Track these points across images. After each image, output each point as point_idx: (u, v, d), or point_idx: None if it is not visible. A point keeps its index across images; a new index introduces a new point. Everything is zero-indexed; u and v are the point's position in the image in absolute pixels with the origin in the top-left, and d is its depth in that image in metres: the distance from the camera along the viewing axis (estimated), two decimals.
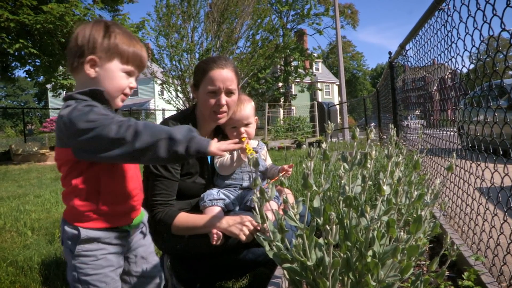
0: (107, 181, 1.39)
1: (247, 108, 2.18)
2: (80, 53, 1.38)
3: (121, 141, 1.20)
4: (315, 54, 34.01)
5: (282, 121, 22.03)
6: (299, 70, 30.18)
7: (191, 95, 13.17)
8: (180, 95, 14.19)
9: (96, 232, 1.38)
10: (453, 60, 2.42)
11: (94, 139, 1.22)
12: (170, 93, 14.22)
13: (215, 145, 1.31)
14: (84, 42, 1.37)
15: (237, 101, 2.16)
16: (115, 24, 1.46)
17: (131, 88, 1.46)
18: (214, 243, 1.86)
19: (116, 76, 1.41)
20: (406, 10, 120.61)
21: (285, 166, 2.15)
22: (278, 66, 29.53)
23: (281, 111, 25.89)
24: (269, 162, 2.33)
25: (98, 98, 1.37)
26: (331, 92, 46.75)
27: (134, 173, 1.49)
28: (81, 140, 1.24)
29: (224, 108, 2.05)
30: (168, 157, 1.23)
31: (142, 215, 1.56)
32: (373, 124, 14.24)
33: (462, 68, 2.31)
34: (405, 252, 1.27)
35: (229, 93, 2.05)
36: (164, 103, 16.02)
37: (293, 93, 33.19)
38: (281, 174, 2.11)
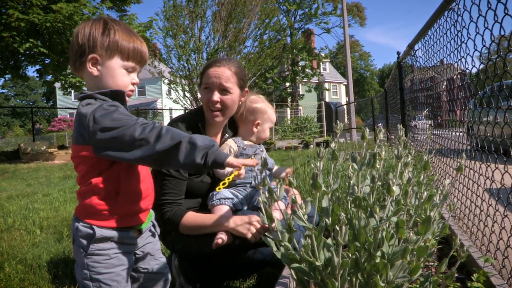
0: (126, 181, 1.40)
1: (274, 114, 2.33)
2: (81, 52, 1.38)
3: (143, 142, 1.22)
4: (323, 54, 33.95)
5: (289, 121, 22.01)
6: (307, 70, 30.12)
7: (198, 94, 13.21)
8: (187, 94, 14.20)
9: (111, 232, 1.39)
10: (463, 60, 2.41)
11: (118, 138, 1.23)
12: (178, 92, 14.24)
13: (232, 159, 1.32)
14: (85, 41, 1.38)
15: (266, 101, 2.28)
16: (114, 20, 1.46)
17: (134, 84, 1.47)
18: (214, 247, 1.86)
19: (118, 73, 1.41)
20: (413, 9, 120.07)
21: (288, 170, 2.19)
22: (286, 65, 29.50)
23: (288, 111, 25.89)
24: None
25: (119, 99, 1.39)
26: (339, 92, 46.62)
27: (147, 173, 1.51)
28: (104, 138, 1.25)
29: (218, 106, 2.07)
30: (186, 162, 1.23)
31: (151, 214, 1.57)
32: (380, 124, 14.19)
33: (472, 68, 2.30)
34: (415, 253, 1.27)
35: (223, 90, 2.06)
36: (171, 102, 16.05)
37: (300, 93, 33.16)
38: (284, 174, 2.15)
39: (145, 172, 1.49)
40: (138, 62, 1.46)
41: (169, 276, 1.65)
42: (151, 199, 1.53)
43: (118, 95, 1.39)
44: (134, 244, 1.49)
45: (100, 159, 1.32)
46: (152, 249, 1.58)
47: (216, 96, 2.05)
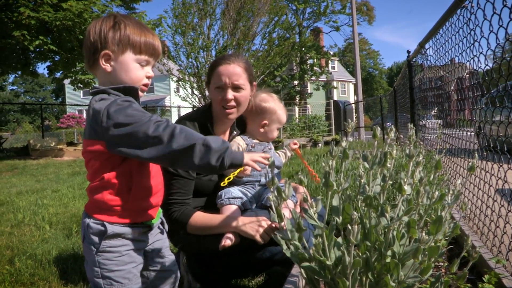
0: (138, 176, 1.40)
1: (284, 114, 2.28)
2: (94, 50, 1.39)
3: (156, 141, 1.21)
4: (331, 52, 33.80)
5: (297, 119, 21.96)
6: (315, 68, 30.02)
7: (206, 92, 13.21)
8: (195, 92, 14.23)
9: (122, 228, 1.39)
10: (475, 59, 2.38)
11: (131, 134, 1.23)
12: (186, 90, 14.26)
13: (248, 157, 1.31)
14: (96, 38, 1.38)
15: (277, 101, 2.24)
16: (125, 16, 1.46)
17: (148, 77, 1.46)
18: (221, 249, 1.86)
19: (131, 67, 1.41)
20: (412, 10, 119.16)
21: (291, 144, 2.30)
22: (294, 64, 29.42)
23: (297, 109, 25.83)
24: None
25: (132, 95, 1.39)
26: (347, 91, 46.43)
27: (157, 169, 1.51)
28: (117, 134, 1.24)
29: (232, 103, 2.06)
30: (200, 164, 1.23)
31: (160, 210, 1.57)
32: (389, 123, 14.11)
33: (485, 67, 2.27)
34: (426, 253, 1.26)
35: (236, 88, 2.06)
36: (179, 100, 16.08)
37: (309, 91, 33.05)
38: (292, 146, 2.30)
39: (156, 168, 1.49)
40: (151, 55, 1.45)
41: (178, 274, 1.65)
42: (161, 195, 1.53)
43: (131, 91, 1.39)
44: (145, 241, 1.49)
45: (113, 154, 1.32)
46: (161, 246, 1.57)
47: (230, 94, 2.04)
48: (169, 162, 1.29)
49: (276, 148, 2.39)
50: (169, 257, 1.61)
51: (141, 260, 1.47)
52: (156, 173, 1.49)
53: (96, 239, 1.37)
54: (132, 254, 1.42)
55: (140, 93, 1.45)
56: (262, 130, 2.21)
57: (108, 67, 1.39)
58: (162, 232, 1.60)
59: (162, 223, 1.60)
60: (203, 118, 2.12)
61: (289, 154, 2.33)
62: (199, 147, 1.21)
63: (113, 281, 1.37)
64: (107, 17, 1.43)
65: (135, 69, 1.42)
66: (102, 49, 1.38)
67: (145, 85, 1.46)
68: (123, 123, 1.23)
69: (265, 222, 1.87)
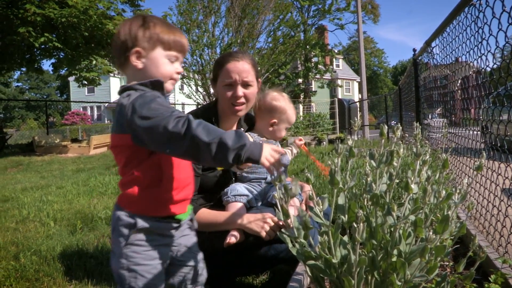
0: (167, 169, 1.42)
1: (294, 114, 2.26)
2: (124, 48, 1.43)
3: (175, 135, 1.22)
4: (336, 51, 33.72)
5: (302, 117, 21.92)
6: (319, 66, 29.96)
7: (211, 90, 13.22)
8: (200, 89, 14.23)
9: (152, 222, 1.40)
10: (483, 57, 2.36)
11: (153, 128, 1.25)
12: (190, 87, 14.27)
13: (265, 155, 1.28)
14: (127, 37, 1.43)
15: (288, 101, 2.23)
16: (152, 15, 1.51)
17: (178, 73, 1.51)
18: (225, 246, 1.86)
19: (162, 63, 1.45)
20: (412, 10, 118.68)
21: (296, 140, 2.31)
22: (298, 61, 29.38)
23: (301, 107, 25.78)
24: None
25: (158, 89, 1.42)
26: (351, 89, 46.36)
27: (187, 162, 1.52)
28: (141, 127, 1.27)
29: (242, 100, 2.06)
30: (217, 161, 1.24)
31: (191, 207, 1.59)
32: (393, 122, 14.07)
33: (493, 65, 2.25)
34: (433, 252, 1.25)
35: (246, 85, 2.06)
36: (184, 97, 16.08)
37: (313, 89, 32.99)
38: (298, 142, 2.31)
39: (185, 161, 1.50)
40: (179, 51, 1.49)
41: (205, 272, 1.65)
42: (191, 189, 1.55)
43: (157, 85, 1.43)
44: (173, 237, 1.50)
45: (139, 148, 1.35)
46: (189, 242, 1.58)
47: (241, 91, 2.04)
48: (187, 157, 1.33)
49: (281, 146, 2.38)
50: (196, 253, 1.61)
51: (168, 257, 1.49)
52: (185, 166, 1.51)
53: (125, 231, 1.38)
54: (160, 249, 1.44)
55: (170, 87, 1.50)
56: (270, 128, 2.21)
57: (139, 64, 1.43)
58: (190, 228, 1.61)
59: (192, 220, 1.62)
60: (208, 115, 2.11)
61: (295, 151, 2.33)
62: (216, 144, 1.21)
63: (138, 274, 1.39)
64: (135, 17, 1.48)
65: (166, 64, 1.46)
66: (132, 47, 1.42)
67: (174, 79, 1.51)
68: (146, 116, 1.26)
69: (271, 219, 1.87)
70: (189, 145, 1.22)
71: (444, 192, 1.34)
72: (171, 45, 1.46)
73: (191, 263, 1.58)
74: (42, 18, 11.91)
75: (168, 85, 1.48)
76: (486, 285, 1.83)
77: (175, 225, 1.49)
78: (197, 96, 14.38)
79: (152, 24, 1.44)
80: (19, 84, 64.41)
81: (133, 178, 1.40)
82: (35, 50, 14.20)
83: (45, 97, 63.44)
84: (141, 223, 1.38)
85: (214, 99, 2.25)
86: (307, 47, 24.74)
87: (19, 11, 11.91)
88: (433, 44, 4.44)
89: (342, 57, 46.14)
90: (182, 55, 1.51)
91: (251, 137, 2.17)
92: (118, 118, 1.36)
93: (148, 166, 1.39)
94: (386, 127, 1.45)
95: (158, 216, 1.42)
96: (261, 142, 2.13)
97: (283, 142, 13.59)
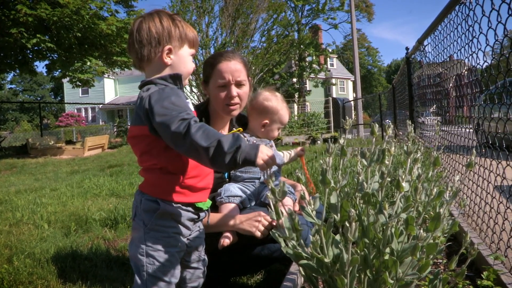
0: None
1: (287, 114, 2.25)
2: (156, 43, 1.47)
3: (176, 136, 1.26)
4: (330, 50, 33.78)
5: (296, 117, 21.94)
6: (314, 65, 30.01)
7: None
8: (194, 90, 14.21)
9: (173, 208, 1.44)
10: (474, 55, 2.37)
11: (162, 125, 1.29)
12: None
13: (261, 156, 1.27)
14: (160, 33, 1.47)
15: (280, 101, 2.22)
16: (174, 14, 1.57)
17: (194, 69, 1.60)
18: (220, 248, 1.86)
19: (188, 60, 1.54)
20: (421, 6, 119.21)
21: (299, 149, 2.29)
22: (293, 61, 29.41)
23: (295, 106, 25.81)
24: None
25: (177, 82, 1.48)
26: (346, 88, 46.42)
27: None
28: (155, 121, 1.31)
29: (236, 100, 2.05)
30: (215, 164, 1.25)
31: (209, 202, 1.61)
32: (388, 120, 14.11)
33: (484, 63, 2.27)
34: (424, 250, 1.25)
35: (239, 84, 2.05)
36: None
37: (308, 89, 33.04)
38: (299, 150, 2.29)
39: None
40: (196, 48, 1.60)
41: (204, 276, 1.69)
42: (211, 178, 1.59)
43: (177, 78, 1.48)
44: (190, 229, 1.53)
45: (157, 137, 1.38)
46: (198, 244, 1.62)
47: (235, 91, 2.03)
48: (192, 158, 1.36)
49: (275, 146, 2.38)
50: (202, 257, 1.66)
51: (185, 247, 1.52)
52: None
53: (147, 215, 1.42)
54: (178, 238, 1.47)
55: (186, 83, 1.58)
56: (262, 129, 2.20)
57: (169, 61, 1.49)
58: (200, 231, 1.63)
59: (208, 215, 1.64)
60: (200, 116, 2.10)
61: (293, 155, 2.31)
62: (214, 148, 1.23)
63: (156, 260, 1.41)
64: (160, 12, 1.53)
65: (190, 61, 1.55)
66: (165, 44, 1.47)
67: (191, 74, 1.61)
68: (158, 113, 1.30)
69: (263, 217, 1.87)
70: (189, 148, 1.24)
71: (435, 189, 1.35)
72: (194, 43, 1.54)
73: (195, 265, 1.62)
74: (34, 18, 11.86)
75: (186, 81, 1.56)
76: (478, 282, 1.84)
77: (194, 216, 1.51)
78: (191, 97, 14.36)
79: (180, 23, 1.51)
80: (13, 86, 64.04)
81: (154, 164, 1.44)
82: (28, 51, 14.12)
83: (39, 98, 63.07)
84: (163, 207, 1.42)
85: (206, 99, 2.24)
86: (301, 46, 24.80)
87: (10, 12, 11.84)
88: (425, 43, 4.46)
89: (336, 56, 46.19)
90: (196, 51, 1.61)
91: (244, 136, 2.16)
92: (137, 111, 1.41)
93: (168, 154, 1.42)
94: (377, 125, 1.45)
95: (179, 202, 1.45)
96: (254, 142, 2.14)
97: (277, 142, 13.62)
